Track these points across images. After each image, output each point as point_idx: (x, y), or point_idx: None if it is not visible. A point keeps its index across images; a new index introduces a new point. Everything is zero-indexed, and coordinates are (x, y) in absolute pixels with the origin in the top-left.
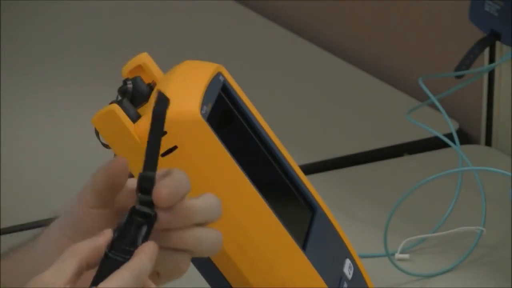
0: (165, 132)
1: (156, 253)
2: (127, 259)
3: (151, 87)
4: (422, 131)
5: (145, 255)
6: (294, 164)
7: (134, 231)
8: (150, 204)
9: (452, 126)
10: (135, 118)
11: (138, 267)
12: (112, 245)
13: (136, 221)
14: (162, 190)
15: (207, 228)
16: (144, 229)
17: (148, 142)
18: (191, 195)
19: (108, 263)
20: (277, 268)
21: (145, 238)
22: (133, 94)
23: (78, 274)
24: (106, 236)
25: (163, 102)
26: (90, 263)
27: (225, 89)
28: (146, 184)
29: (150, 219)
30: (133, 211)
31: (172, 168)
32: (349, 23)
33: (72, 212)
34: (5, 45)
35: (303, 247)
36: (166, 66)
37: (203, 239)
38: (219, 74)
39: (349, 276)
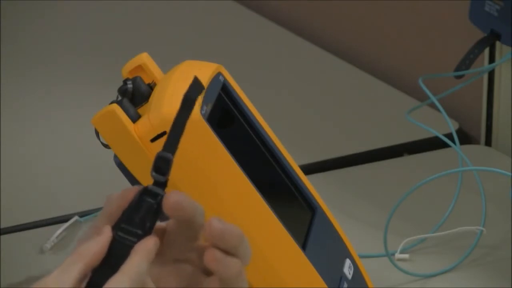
0: (165, 132)
1: (154, 250)
2: (134, 242)
3: (151, 87)
4: (422, 131)
5: (140, 256)
6: (294, 164)
7: (144, 213)
8: (163, 186)
9: (452, 126)
10: (135, 118)
11: (134, 270)
12: (120, 227)
13: (146, 202)
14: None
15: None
16: (153, 211)
17: (173, 124)
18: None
19: (116, 246)
20: (277, 268)
21: (153, 221)
22: (133, 94)
23: (83, 278)
24: (107, 234)
25: (197, 87)
26: (95, 265)
27: (225, 89)
28: (162, 164)
29: (159, 202)
30: (144, 191)
31: None
32: (349, 23)
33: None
34: (5, 45)
35: (303, 247)
36: (166, 66)
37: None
38: (219, 74)
39: (349, 276)
